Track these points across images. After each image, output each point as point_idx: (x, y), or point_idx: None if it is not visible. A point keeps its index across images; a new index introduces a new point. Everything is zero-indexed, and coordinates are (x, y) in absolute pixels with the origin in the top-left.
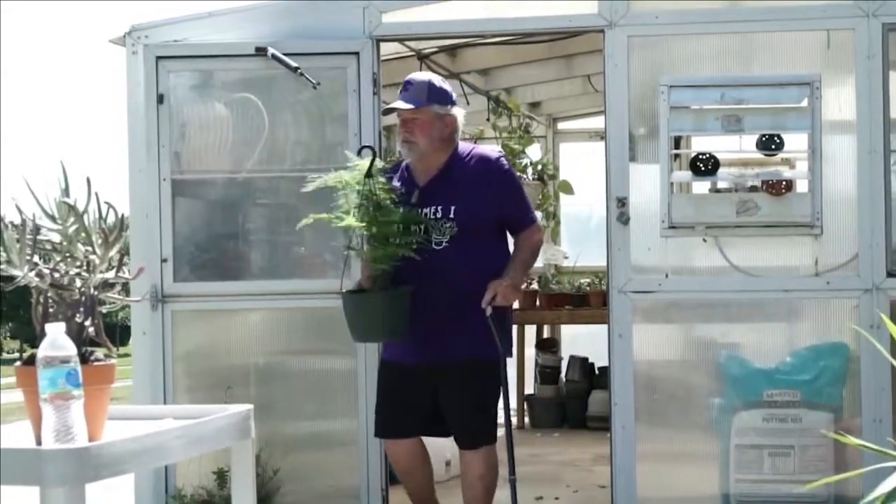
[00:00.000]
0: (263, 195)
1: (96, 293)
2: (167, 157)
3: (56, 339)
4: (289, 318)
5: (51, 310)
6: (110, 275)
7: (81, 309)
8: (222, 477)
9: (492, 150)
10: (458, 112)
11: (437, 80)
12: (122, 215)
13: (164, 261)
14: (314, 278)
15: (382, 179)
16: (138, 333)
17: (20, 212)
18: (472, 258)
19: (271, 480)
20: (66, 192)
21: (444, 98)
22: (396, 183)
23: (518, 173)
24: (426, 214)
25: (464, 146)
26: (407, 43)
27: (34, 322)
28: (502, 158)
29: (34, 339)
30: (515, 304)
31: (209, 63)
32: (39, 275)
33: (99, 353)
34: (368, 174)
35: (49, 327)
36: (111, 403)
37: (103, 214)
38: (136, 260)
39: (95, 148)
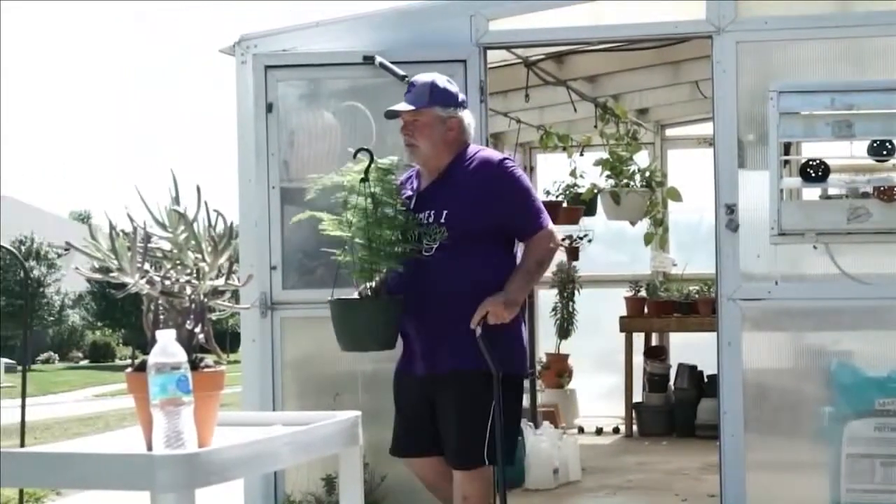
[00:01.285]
0: None
1: (206, 300)
2: (276, 166)
3: (167, 346)
4: None
5: (161, 317)
6: (220, 282)
7: (191, 316)
8: (330, 483)
9: (494, 153)
10: (465, 114)
11: (442, 81)
12: (232, 223)
13: (272, 268)
14: None
15: (376, 189)
16: (248, 340)
17: (131, 220)
18: (462, 266)
19: (379, 487)
20: (176, 200)
21: (447, 99)
22: (408, 189)
23: (626, 180)
24: (421, 219)
25: (471, 149)
26: (514, 50)
27: (145, 329)
28: (507, 161)
29: (145, 346)
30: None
31: (317, 72)
32: (150, 282)
33: (209, 359)
34: (365, 178)
35: (160, 334)
36: (221, 410)
37: (213, 222)
38: (245, 267)
39: (205, 157)
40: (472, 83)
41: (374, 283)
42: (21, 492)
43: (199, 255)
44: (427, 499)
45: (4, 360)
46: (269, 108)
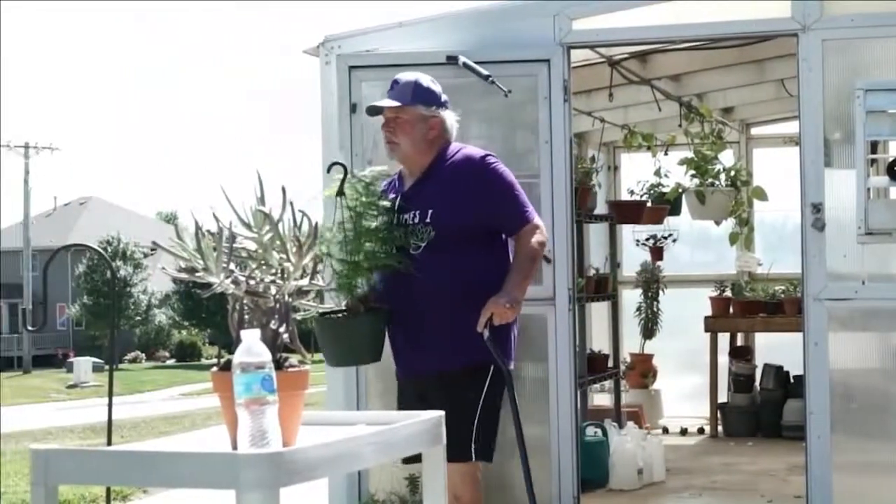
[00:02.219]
0: None
1: (291, 300)
2: (360, 166)
3: (251, 346)
4: None
5: (246, 317)
6: (304, 282)
7: (276, 316)
8: (414, 483)
9: (477, 150)
10: (447, 114)
11: (425, 81)
12: (316, 223)
13: None
14: None
15: (357, 201)
16: None
17: (217, 220)
18: (449, 264)
19: None
20: (261, 200)
21: (430, 98)
22: (391, 192)
23: (711, 179)
24: (406, 220)
25: (452, 147)
26: (597, 49)
27: (230, 328)
28: (489, 157)
29: (230, 346)
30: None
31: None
32: (235, 282)
33: (293, 359)
34: (340, 192)
35: (244, 334)
36: (305, 409)
37: (298, 223)
38: (329, 268)
39: (290, 157)
40: (555, 82)
41: (361, 293)
42: (108, 489)
43: (284, 256)
44: (509, 498)
45: (92, 359)
46: (353, 108)
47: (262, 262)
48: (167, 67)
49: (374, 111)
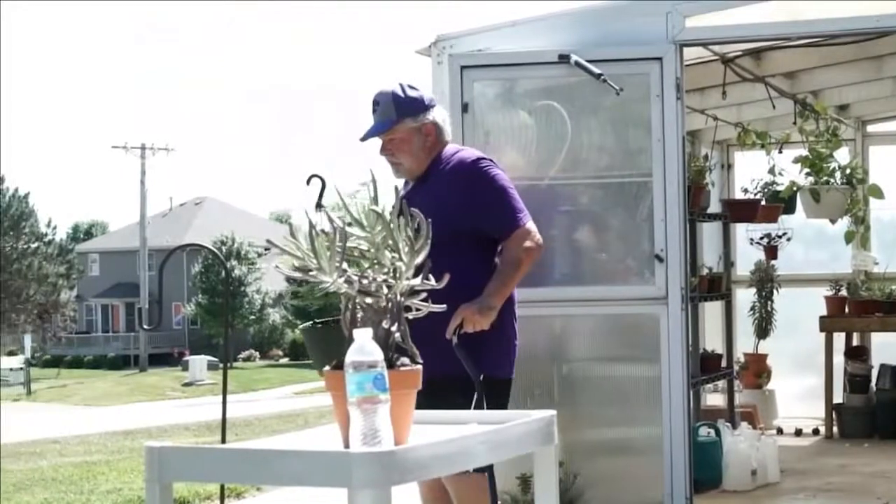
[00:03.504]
0: (566, 202)
1: (403, 300)
2: None
3: (364, 345)
4: (592, 325)
5: (359, 316)
6: (416, 281)
7: (388, 315)
8: (526, 482)
9: (471, 153)
10: (437, 113)
11: (403, 90)
12: (429, 223)
13: None
14: (617, 284)
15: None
16: None
17: (331, 220)
18: (439, 270)
19: (573, 486)
20: (374, 200)
21: (415, 107)
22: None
23: (826, 177)
24: None
25: (447, 150)
26: (710, 47)
27: (343, 328)
28: (481, 161)
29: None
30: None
31: (512, 71)
32: (348, 281)
33: (405, 358)
34: (318, 205)
35: (357, 333)
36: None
37: (410, 222)
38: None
39: None
40: (668, 80)
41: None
42: (222, 487)
43: (397, 255)
44: (620, 498)
45: (207, 357)
46: (465, 107)
47: (375, 261)
48: (280, 69)
49: (366, 140)
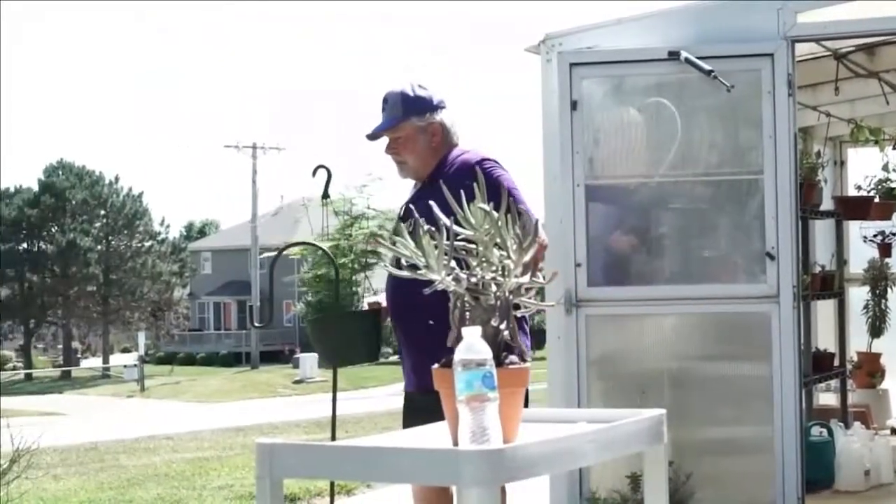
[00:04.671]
0: (676, 199)
1: (511, 298)
2: (581, 163)
3: (472, 343)
4: (701, 323)
5: (467, 314)
6: (525, 279)
7: (497, 313)
8: (636, 481)
9: (475, 154)
10: (445, 115)
11: (412, 89)
12: (537, 221)
13: (577, 266)
14: (727, 283)
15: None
16: (553, 337)
17: (438, 218)
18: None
19: (684, 486)
20: (482, 197)
21: (422, 106)
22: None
23: None
24: (403, 229)
25: (455, 152)
26: (822, 42)
27: (451, 326)
28: (485, 161)
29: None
30: None
31: (621, 68)
32: (457, 279)
33: (514, 356)
34: (325, 195)
35: (466, 331)
36: (525, 406)
37: (518, 220)
38: (550, 265)
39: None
40: (779, 77)
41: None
42: (332, 483)
43: (505, 253)
44: (731, 498)
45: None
46: (574, 105)
47: (483, 259)
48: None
49: (373, 137)
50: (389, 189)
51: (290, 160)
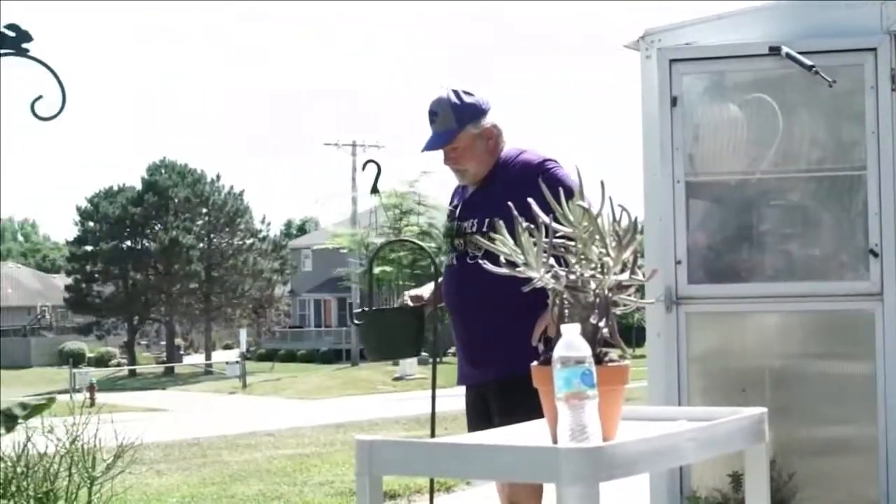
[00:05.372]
0: (777, 196)
1: (610, 295)
2: (681, 160)
3: (572, 341)
4: (803, 321)
5: (566, 311)
6: (624, 277)
7: (596, 310)
8: (737, 480)
9: (536, 154)
10: (494, 116)
11: (458, 97)
12: (636, 218)
13: (677, 263)
14: (831, 280)
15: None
16: (653, 335)
17: (537, 215)
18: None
19: (787, 485)
20: (581, 194)
21: (474, 113)
22: (456, 198)
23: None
24: (465, 228)
25: (509, 152)
26: None
27: (551, 323)
28: (547, 162)
29: (550, 341)
30: None
31: (721, 64)
32: (556, 277)
33: (613, 353)
34: (374, 189)
35: (565, 328)
36: (627, 404)
37: (617, 217)
38: (650, 262)
39: (611, 151)
40: (882, 72)
41: (413, 293)
42: (431, 480)
43: (604, 250)
44: (835, 498)
45: None
46: (674, 101)
47: (582, 256)
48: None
49: (428, 150)
50: (437, 182)
51: (389, 158)
